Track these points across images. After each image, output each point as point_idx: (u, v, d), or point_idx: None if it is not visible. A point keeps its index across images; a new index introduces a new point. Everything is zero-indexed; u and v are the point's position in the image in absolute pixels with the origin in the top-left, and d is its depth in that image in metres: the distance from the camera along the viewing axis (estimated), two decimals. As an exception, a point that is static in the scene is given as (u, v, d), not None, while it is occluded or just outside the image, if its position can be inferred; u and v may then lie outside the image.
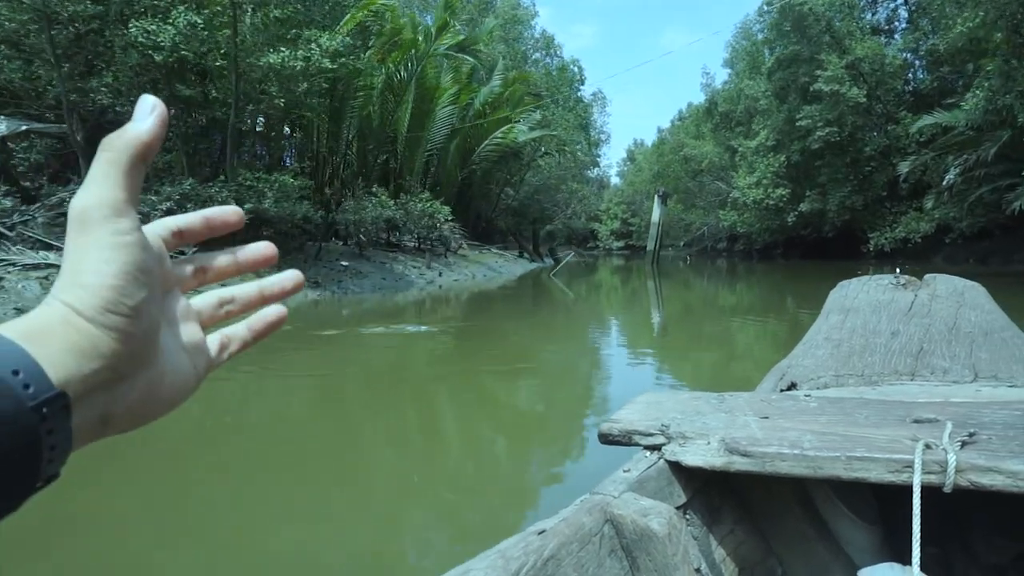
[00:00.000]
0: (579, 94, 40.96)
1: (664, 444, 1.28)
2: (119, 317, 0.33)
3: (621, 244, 66.32)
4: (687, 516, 1.24)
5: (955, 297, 2.45)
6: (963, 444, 1.07)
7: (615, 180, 75.72)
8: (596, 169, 56.91)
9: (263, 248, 0.44)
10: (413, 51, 18.36)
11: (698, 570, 1.07)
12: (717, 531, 1.29)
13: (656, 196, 25.37)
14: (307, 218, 13.14)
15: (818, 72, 24.27)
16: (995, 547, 1.47)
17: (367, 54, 16.56)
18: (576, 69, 40.15)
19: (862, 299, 2.55)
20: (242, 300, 0.44)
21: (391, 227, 15.84)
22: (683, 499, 1.24)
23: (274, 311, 0.45)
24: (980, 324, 2.24)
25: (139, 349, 0.34)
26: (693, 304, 12.80)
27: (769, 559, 1.39)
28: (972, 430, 1.13)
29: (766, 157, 28.19)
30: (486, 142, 21.67)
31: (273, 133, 17.17)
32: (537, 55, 41.50)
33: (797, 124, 25.89)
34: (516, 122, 23.54)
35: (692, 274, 24.01)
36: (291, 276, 0.45)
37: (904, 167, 21.50)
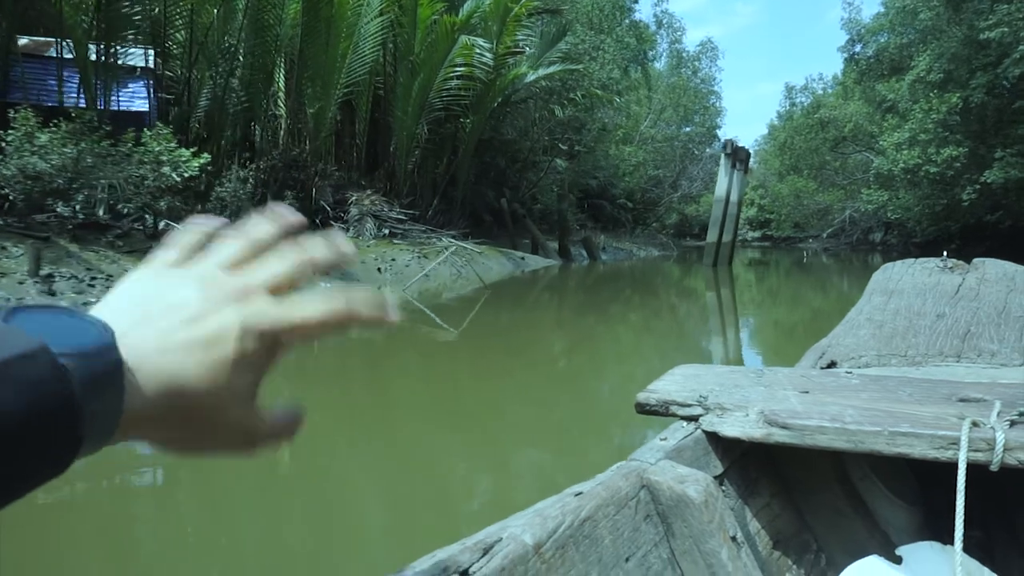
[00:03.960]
0: (679, 46, 31.74)
1: (702, 415, 1.27)
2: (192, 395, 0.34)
3: (758, 234, 57.03)
4: (723, 487, 1.22)
5: (1005, 281, 2.42)
6: (1012, 423, 1.05)
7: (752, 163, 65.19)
8: (715, 144, 46.60)
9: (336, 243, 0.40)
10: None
11: (734, 538, 1.05)
12: (753, 503, 1.29)
13: (723, 155, 15.32)
14: None
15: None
16: None
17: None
18: None
19: (906, 281, 2.53)
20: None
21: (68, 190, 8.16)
22: (720, 469, 1.23)
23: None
24: None
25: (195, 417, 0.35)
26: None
27: (804, 534, 1.38)
28: (1021, 409, 1.09)
29: (927, 99, 18.04)
30: (443, 73, 14.04)
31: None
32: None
33: (982, 40, 15.82)
34: (515, 51, 15.65)
35: (785, 279, 15.05)
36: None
37: None
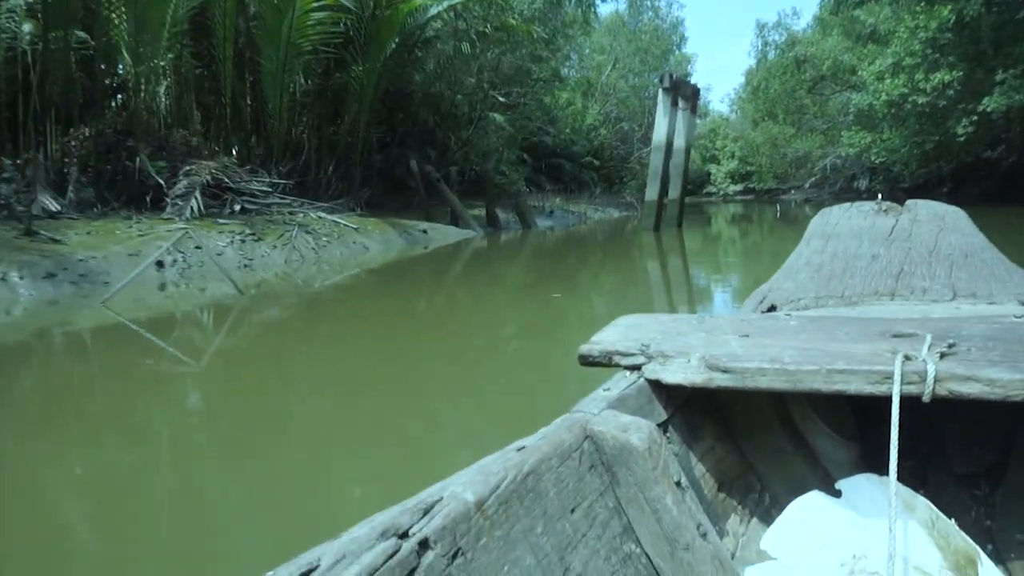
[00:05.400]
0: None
1: (644, 364, 1.27)
2: None
3: (739, 188, 54.63)
4: (668, 433, 1.24)
5: (936, 221, 2.48)
6: (942, 355, 1.08)
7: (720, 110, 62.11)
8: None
9: None
10: None
11: (678, 483, 1.07)
12: (697, 448, 1.30)
13: (661, 91, 12.10)
14: None
15: None
16: (969, 457, 1.48)
17: None
18: None
19: (843, 225, 2.57)
20: None
21: None
22: (663, 416, 1.24)
23: None
24: (960, 246, 2.27)
25: None
26: None
27: (748, 475, 1.40)
28: (951, 342, 1.13)
29: (912, 15, 15.08)
30: (301, 3, 10.97)
31: None
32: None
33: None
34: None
35: (756, 239, 12.33)
36: None
37: None
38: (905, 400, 1.02)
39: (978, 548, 1.03)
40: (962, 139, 15.34)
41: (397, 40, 14.06)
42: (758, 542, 1.22)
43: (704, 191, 56.44)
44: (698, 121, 66.54)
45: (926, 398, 1.02)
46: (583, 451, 1.03)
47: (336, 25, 11.97)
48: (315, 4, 11.20)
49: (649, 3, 34.02)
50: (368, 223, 11.35)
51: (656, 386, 1.24)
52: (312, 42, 11.75)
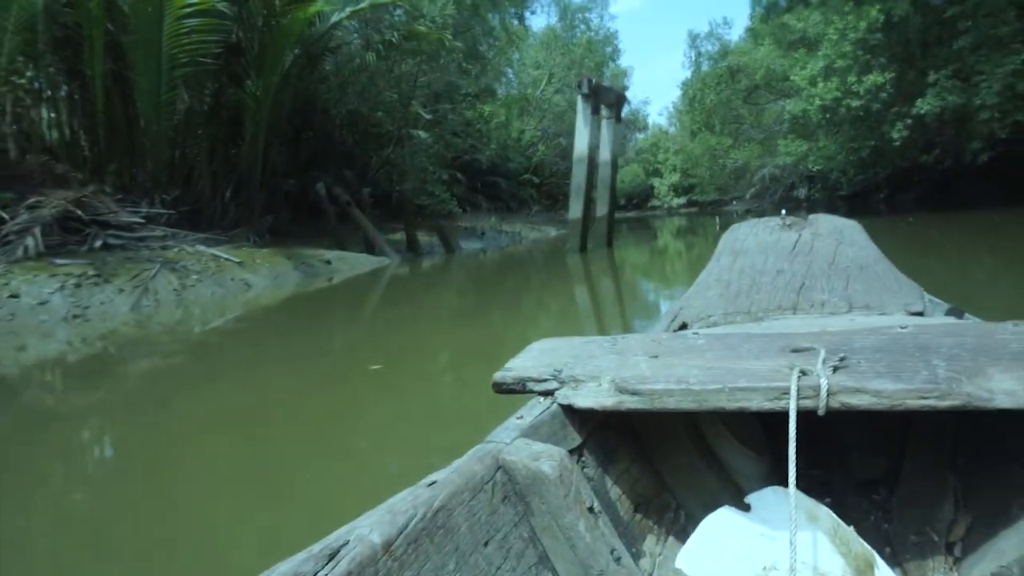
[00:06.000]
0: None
1: (557, 388, 1.26)
2: None
3: (683, 200, 54.79)
4: (582, 458, 1.23)
5: (835, 235, 2.55)
6: (835, 369, 1.11)
7: (659, 123, 62.44)
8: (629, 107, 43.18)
9: None
10: None
11: (591, 508, 1.07)
12: (613, 471, 1.30)
13: (579, 97, 11.00)
14: None
15: None
16: (867, 464, 1.52)
17: None
18: None
19: (751, 241, 2.61)
20: None
21: None
22: (578, 441, 1.24)
23: None
24: (856, 259, 2.33)
25: None
26: None
27: (664, 494, 1.41)
28: (843, 355, 1.16)
29: (841, 17, 14.55)
30: (171, 7, 9.63)
31: None
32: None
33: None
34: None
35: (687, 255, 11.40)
36: None
37: None
38: (803, 413, 1.05)
39: (875, 552, 1.08)
40: (897, 143, 14.83)
41: (297, 51, 12.83)
42: (674, 560, 1.22)
43: (649, 204, 56.71)
44: (639, 135, 66.26)
45: (821, 411, 1.05)
46: (495, 482, 1.03)
47: (217, 34, 10.67)
48: (188, 9, 9.89)
49: (580, 16, 33.44)
50: (258, 255, 10.01)
51: (569, 411, 1.23)
52: (189, 53, 10.40)
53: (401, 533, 0.82)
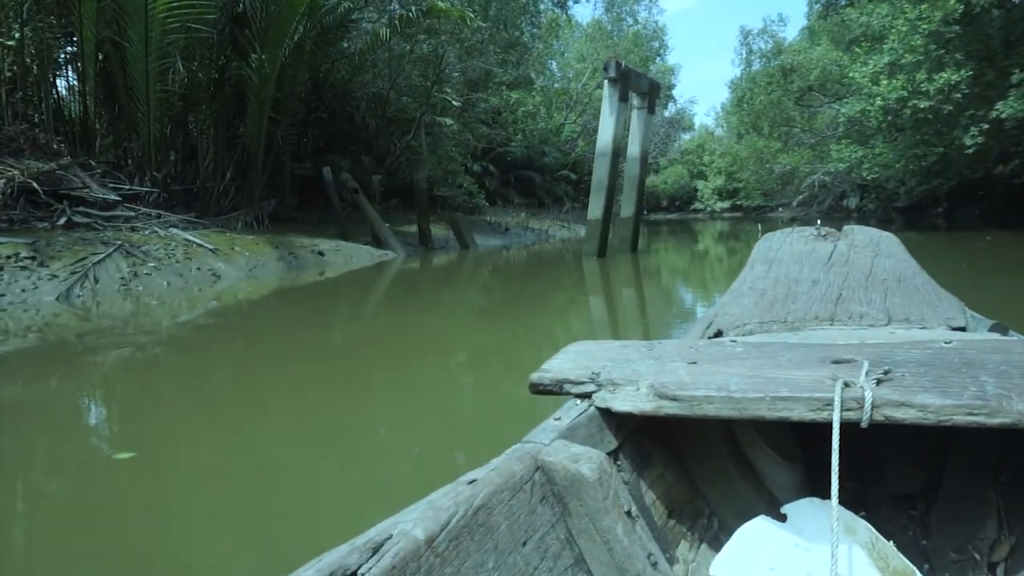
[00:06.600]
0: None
1: (595, 391, 1.26)
2: None
3: (727, 204, 52.91)
4: (618, 462, 1.23)
5: (871, 247, 2.53)
6: (879, 381, 1.10)
7: (706, 124, 60.41)
8: (670, 105, 41.42)
9: None
10: None
11: (628, 512, 1.08)
12: (647, 475, 1.30)
13: (606, 82, 9.56)
14: None
15: None
16: (905, 479, 1.51)
17: None
18: None
19: (785, 250, 2.61)
20: None
21: None
22: (614, 445, 1.24)
23: None
24: (894, 271, 2.31)
25: None
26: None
27: (697, 500, 1.41)
28: (887, 368, 1.15)
29: (913, 5, 12.96)
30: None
31: None
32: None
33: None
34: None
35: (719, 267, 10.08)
36: None
37: None
38: (845, 425, 1.04)
39: (915, 568, 1.07)
40: (970, 150, 13.20)
41: (308, 24, 11.88)
42: (707, 568, 1.21)
43: (692, 207, 54.97)
44: (684, 135, 64.18)
45: (864, 424, 1.05)
46: (534, 482, 1.04)
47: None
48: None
49: (628, 9, 31.99)
50: (240, 242, 9.05)
51: (606, 414, 1.24)
52: (180, 19, 9.50)
53: (443, 529, 0.83)
